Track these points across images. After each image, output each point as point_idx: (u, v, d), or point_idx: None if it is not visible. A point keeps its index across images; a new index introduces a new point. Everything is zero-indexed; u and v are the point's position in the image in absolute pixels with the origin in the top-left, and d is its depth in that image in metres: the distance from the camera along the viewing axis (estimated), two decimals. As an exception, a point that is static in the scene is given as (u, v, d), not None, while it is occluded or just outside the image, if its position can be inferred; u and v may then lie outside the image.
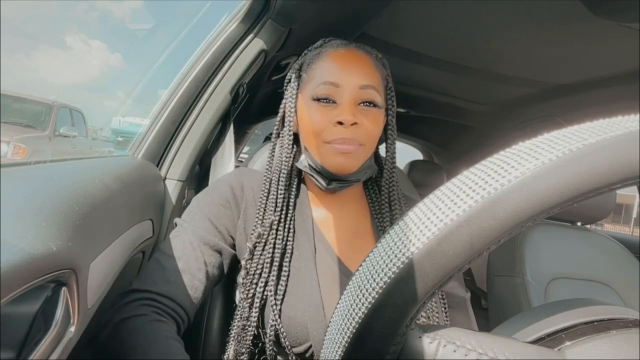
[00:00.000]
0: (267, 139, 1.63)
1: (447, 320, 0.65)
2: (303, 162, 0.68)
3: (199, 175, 1.38)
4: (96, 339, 0.54)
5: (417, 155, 2.59)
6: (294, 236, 0.66)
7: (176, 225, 0.67)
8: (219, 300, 0.88)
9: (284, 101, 0.70)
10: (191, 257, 0.62)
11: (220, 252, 0.65)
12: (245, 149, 2.90)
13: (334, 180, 0.66)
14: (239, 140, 2.20)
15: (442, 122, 1.87)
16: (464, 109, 1.61)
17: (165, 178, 0.84)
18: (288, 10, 0.88)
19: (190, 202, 0.69)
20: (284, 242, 0.65)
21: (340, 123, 0.61)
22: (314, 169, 0.66)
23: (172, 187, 0.84)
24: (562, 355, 0.24)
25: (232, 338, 0.66)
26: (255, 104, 1.71)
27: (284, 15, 0.90)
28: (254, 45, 0.90)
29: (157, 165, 0.84)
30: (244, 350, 0.65)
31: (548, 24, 0.90)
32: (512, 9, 0.87)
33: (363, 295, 0.24)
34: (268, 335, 0.61)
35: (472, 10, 0.90)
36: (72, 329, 0.38)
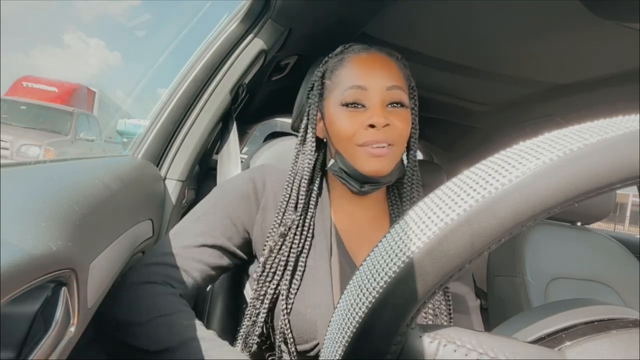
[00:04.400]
0: (267, 138, 1.63)
1: (451, 320, 0.65)
2: (334, 167, 0.68)
3: (199, 175, 1.38)
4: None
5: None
6: (312, 236, 0.67)
7: (187, 216, 0.68)
8: (220, 300, 0.88)
9: (307, 108, 0.71)
10: (185, 255, 0.63)
11: (223, 253, 0.65)
12: (245, 149, 2.90)
13: (366, 183, 0.66)
14: (239, 140, 2.20)
15: (442, 122, 1.87)
16: (464, 109, 1.61)
17: (165, 178, 0.84)
18: (288, 10, 0.88)
19: (212, 191, 0.70)
20: (302, 242, 0.65)
21: (372, 126, 0.61)
22: (346, 173, 0.66)
23: (172, 187, 0.84)
24: (562, 355, 0.24)
25: (241, 334, 0.66)
26: (255, 104, 1.71)
27: (284, 15, 0.90)
28: (254, 46, 0.90)
29: (157, 165, 0.84)
30: (251, 345, 0.65)
31: (548, 24, 0.90)
32: (512, 9, 0.87)
33: (364, 295, 0.24)
34: (278, 332, 0.62)
35: (472, 10, 0.90)
36: (72, 329, 0.38)
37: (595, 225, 1.60)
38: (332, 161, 0.69)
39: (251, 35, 0.90)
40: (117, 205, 0.54)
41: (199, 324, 0.57)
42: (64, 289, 0.36)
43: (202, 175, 1.43)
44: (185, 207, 1.02)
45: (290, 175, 0.69)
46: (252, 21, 0.90)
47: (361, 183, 0.66)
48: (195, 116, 0.87)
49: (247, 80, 0.96)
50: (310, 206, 0.68)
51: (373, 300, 0.24)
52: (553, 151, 0.22)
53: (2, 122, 5.69)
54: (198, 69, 0.86)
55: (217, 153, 1.00)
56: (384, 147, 0.62)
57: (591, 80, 1.17)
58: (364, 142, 0.62)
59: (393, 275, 0.23)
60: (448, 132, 2.03)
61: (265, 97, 1.69)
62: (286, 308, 0.61)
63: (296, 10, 0.89)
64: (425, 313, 0.63)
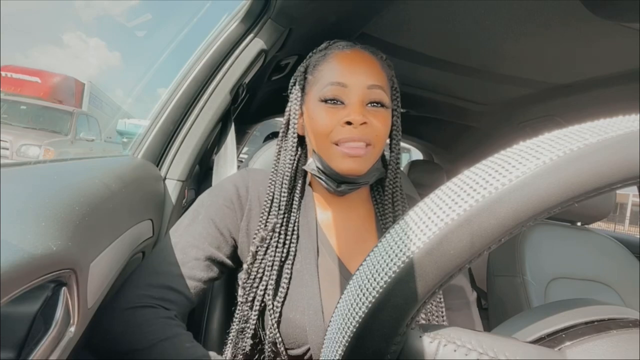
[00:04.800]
0: (268, 138, 1.63)
1: (444, 321, 0.64)
2: (311, 165, 0.67)
3: (199, 175, 1.38)
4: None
5: (416, 154, 2.59)
6: (297, 239, 0.66)
7: (174, 226, 0.66)
8: (220, 300, 0.88)
9: (289, 104, 0.69)
10: (177, 272, 0.61)
11: (213, 264, 0.64)
12: (245, 149, 2.91)
13: (343, 183, 0.65)
14: (239, 140, 2.20)
15: (442, 122, 1.87)
16: (463, 109, 1.61)
17: (165, 178, 0.84)
18: (288, 10, 0.88)
19: (195, 201, 0.69)
20: (287, 245, 0.64)
21: (349, 123, 0.61)
22: (323, 172, 0.65)
23: (172, 187, 0.84)
24: (562, 355, 0.24)
25: (230, 339, 0.66)
26: (255, 104, 1.71)
27: (284, 15, 0.90)
28: (254, 45, 0.90)
29: (157, 165, 0.84)
30: (241, 350, 0.65)
31: (548, 24, 0.90)
32: (512, 9, 0.87)
33: (364, 295, 0.24)
34: (267, 338, 0.61)
35: (472, 10, 0.90)
36: (72, 329, 0.38)
37: (595, 225, 1.60)
38: (310, 160, 0.68)
39: (251, 35, 0.90)
40: (117, 205, 0.54)
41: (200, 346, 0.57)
42: (64, 289, 0.36)
43: (202, 175, 1.43)
44: (185, 207, 1.02)
45: (272, 174, 0.68)
46: (252, 21, 0.90)
47: (338, 183, 0.65)
48: (195, 116, 0.87)
49: (247, 80, 0.96)
50: (294, 207, 0.67)
51: (373, 300, 0.24)
52: (553, 151, 0.22)
53: (2, 122, 5.69)
54: (198, 69, 0.86)
55: (216, 153, 1.00)
56: (360, 147, 0.61)
57: (591, 80, 1.17)
58: (339, 139, 0.61)
59: (393, 275, 0.23)
60: (448, 132, 2.03)
61: (265, 97, 1.69)
62: (274, 315, 0.60)
63: (296, 10, 0.89)
64: (423, 315, 0.62)
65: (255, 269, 0.63)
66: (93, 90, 9.83)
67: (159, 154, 0.84)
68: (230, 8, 0.90)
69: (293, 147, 0.67)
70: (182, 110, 0.85)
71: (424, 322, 0.62)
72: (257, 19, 0.91)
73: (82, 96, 9.27)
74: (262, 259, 0.63)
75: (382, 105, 0.64)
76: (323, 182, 0.66)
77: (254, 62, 0.91)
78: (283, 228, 0.65)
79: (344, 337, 0.25)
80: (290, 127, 0.68)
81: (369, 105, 0.63)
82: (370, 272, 0.25)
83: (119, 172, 0.62)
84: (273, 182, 0.67)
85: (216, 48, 0.87)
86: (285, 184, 0.66)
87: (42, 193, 0.40)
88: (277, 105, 1.91)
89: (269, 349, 0.62)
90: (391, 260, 0.24)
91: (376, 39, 1.08)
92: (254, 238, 0.65)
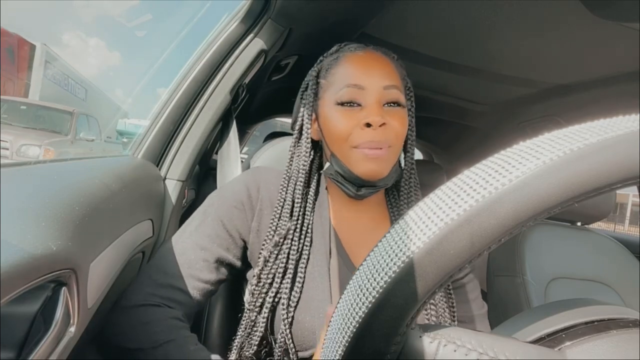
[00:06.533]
0: (268, 138, 1.63)
1: (454, 321, 0.64)
2: (330, 170, 0.66)
3: (199, 175, 1.38)
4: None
5: (416, 154, 2.58)
6: (311, 241, 0.65)
7: (183, 226, 0.66)
8: (220, 300, 0.88)
9: (301, 109, 0.68)
10: (185, 273, 0.61)
11: (221, 266, 0.64)
12: (245, 149, 2.91)
13: (363, 187, 0.64)
14: (239, 140, 2.20)
15: (442, 122, 1.87)
16: (463, 109, 1.61)
17: (165, 178, 0.84)
18: (288, 10, 0.88)
19: (205, 200, 0.68)
20: (299, 249, 0.63)
21: (369, 125, 0.60)
22: (342, 176, 0.64)
23: (172, 187, 0.84)
24: (562, 355, 0.24)
25: (237, 342, 0.65)
26: (255, 104, 1.71)
27: (284, 15, 0.90)
28: (254, 45, 0.90)
29: (157, 165, 0.84)
30: (248, 354, 0.64)
31: (548, 24, 0.90)
32: (512, 9, 0.87)
33: (363, 295, 0.24)
34: (278, 341, 0.60)
35: (472, 10, 0.90)
36: (72, 329, 0.38)
37: (595, 225, 1.60)
38: (327, 164, 0.67)
39: (251, 35, 0.90)
40: (117, 205, 0.54)
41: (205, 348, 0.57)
42: (64, 289, 0.36)
43: (202, 175, 1.43)
44: (185, 207, 1.02)
45: (284, 179, 0.67)
46: (252, 21, 0.90)
47: (357, 187, 0.64)
48: (195, 116, 0.87)
49: (247, 80, 0.96)
50: (307, 211, 0.66)
51: (373, 300, 0.24)
52: (553, 151, 0.22)
53: (2, 122, 5.68)
54: (198, 69, 0.86)
55: (217, 153, 1.00)
56: (380, 148, 0.60)
57: (591, 80, 1.17)
58: (359, 143, 0.60)
59: (393, 275, 0.23)
60: (448, 132, 2.03)
61: (265, 97, 1.69)
62: (287, 318, 0.59)
63: (296, 10, 0.89)
64: (429, 318, 0.62)
65: (266, 274, 0.62)
66: (51, 60, 7.59)
67: (159, 154, 0.84)
68: (230, 8, 0.90)
69: (307, 152, 0.66)
70: (182, 110, 0.85)
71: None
72: (257, 19, 0.91)
73: (29, 64, 7.16)
74: (273, 264, 0.63)
75: (399, 105, 0.63)
76: (342, 187, 0.65)
77: (254, 62, 0.91)
78: (296, 233, 0.64)
79: (344, 337, 0.25)
80: (303, 132, 0.67)
81: (386, 105, 0.62)
82: (370, 272, 0.25)
83: (119, 172, 0.62)
84: (285, 188, 0.66)
85: (216, 48, 0.87)
86: (299, 189, 0.65)
87: (42, 193, 0.40)
88: (277, 105, 1.92)
89: (279, 353, 0.61)
90: (391, 260, 0.24)
91: (376, 39, 1.08)
92: (265, 242, 0.64)
